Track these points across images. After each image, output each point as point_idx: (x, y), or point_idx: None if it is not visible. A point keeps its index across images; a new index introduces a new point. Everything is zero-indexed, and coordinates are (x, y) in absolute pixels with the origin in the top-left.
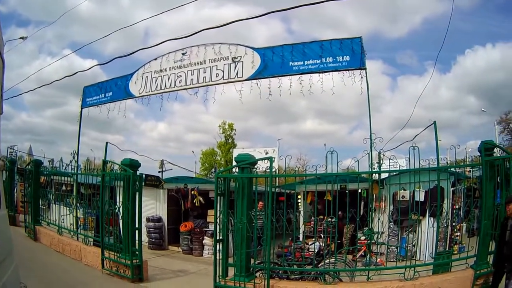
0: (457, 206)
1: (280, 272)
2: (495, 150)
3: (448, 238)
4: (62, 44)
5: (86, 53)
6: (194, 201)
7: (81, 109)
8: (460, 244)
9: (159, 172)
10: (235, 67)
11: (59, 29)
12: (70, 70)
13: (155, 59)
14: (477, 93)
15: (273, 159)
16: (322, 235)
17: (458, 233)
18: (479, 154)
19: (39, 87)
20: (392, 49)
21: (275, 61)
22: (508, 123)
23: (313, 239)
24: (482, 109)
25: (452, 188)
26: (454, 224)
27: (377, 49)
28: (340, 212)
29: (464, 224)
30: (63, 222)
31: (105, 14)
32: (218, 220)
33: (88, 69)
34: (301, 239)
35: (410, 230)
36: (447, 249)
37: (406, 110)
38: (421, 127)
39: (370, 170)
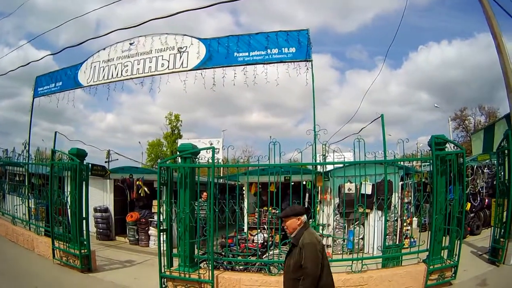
0: (406, 200)
1: (225, 263)
2: (447, 145)
3: (398, 232)
4: (19, 35)
5: (42, 45)
6: (140, 192)
7: (33, 99)
8: (412, 239)
9: (105, 162)
10: (180, 57)
11: (17, 20)
12: (26, 61)
13: (104, 49)
14: (429, 90)
15: (215, 149)
16: (266, 227)
17: (409, 227)
18: (429, 148)
19: None
20: (341, 44)
21: (220, 52)
22: (463, 119)
23: (257, 230)
24: (435, 105)
25: (401, 182)
26: (404, 218)
27: (326, 43)
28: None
29: (415, 218)
30: (17, 212)
31: (61, 5)
32: (161, 210)
33: (40, 59)
34: (245, 230)
35: (357, 223)
36: (397, 243)
37: (355, 104)
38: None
39: (314, 161)
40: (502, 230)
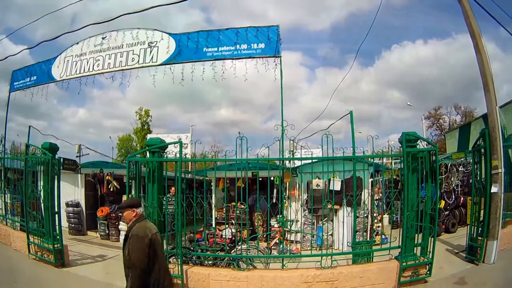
0: (377, 197)
1: (194, 257)
2: (419, 143)
3: (368, 229)
4: None
5: (20, 41)
6: (110, 186)
7: (9, 93)
8: (383, 235)
9: (76, 157)
10: (151, 52)
11: None
12: (3, 56)
13: (77, 43)
14: (402, 88)
15: (183, 143)
16: (234, 222)
17: (380, 224)
18: (400, 145)
19: None
20: (313, 41)
21: (190, 47)
22: (437, 118)
23: (225, 225)
24: (408, 103)
25: (371, 179)
26: (375, 215)
27: (298, 40)
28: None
29: (386, 215)
30: None
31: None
32: None
33: (17, 53)
34: (213, 225)
35: (325, 219)
36: (368, 239)
37: (325, 101)
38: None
39: (281, 157)
40: (480, 229)
